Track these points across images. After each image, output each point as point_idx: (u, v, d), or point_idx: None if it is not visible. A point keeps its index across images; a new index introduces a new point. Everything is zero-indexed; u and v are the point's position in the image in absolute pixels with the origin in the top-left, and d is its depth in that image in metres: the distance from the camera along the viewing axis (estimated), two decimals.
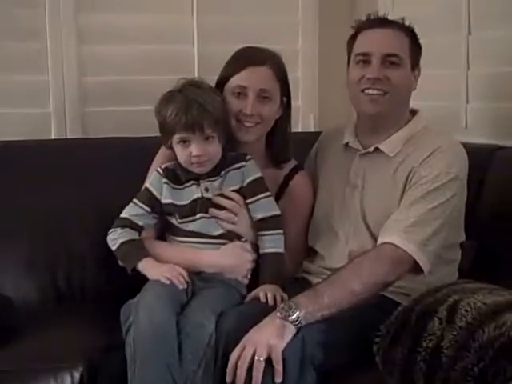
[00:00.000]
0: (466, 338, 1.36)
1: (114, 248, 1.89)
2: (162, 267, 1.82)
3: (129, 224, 1.90)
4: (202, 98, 1.83)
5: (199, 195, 1.89)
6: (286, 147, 2.05)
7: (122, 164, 2.32)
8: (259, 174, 1.93)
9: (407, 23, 1.92)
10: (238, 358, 1.59)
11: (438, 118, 2.35)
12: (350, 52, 1.95)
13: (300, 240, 2.02)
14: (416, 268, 1.74)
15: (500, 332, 1.32)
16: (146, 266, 1.84)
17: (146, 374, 1.64)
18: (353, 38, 1.94)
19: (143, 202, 1.91)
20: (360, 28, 1.92)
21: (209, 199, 1.89)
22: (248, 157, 1.93)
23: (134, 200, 1.93)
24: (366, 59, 1.87)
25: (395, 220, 1.78)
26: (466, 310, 1.40)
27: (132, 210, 1.92)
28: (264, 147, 2.04)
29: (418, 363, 1.40)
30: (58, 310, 2.13)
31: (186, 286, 1.80)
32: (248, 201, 1.91)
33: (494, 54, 2.25)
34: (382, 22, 1.90)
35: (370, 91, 1.86)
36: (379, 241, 1.77)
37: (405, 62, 1.87)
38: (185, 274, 1.81)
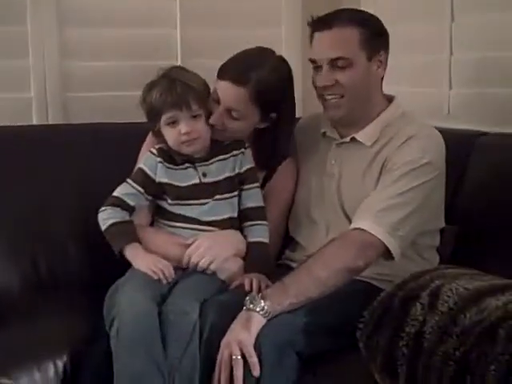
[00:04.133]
0: (447, 323, 1.37)
1: (103, 228, 1.88)
2: (148, 259, 1.81)
3: (120, 203, 1.89)
4: (184, 76, 1.85)
5: (197, 181, 1.89)
6: (273, 155, 2.01)
7: (104, 150, 2.30)
8: (253, 164, 1.94)
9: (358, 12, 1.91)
10: (220, 363, 1.60)
11: (420, 103, 2.36)
12: None
13: (280, 226, 2.02)
14: (387, 253, 1.74)
15: (481, 317, 1.33)
16: (133, 254, 1.83)
17: (131, 364, 1.64)
18: (310, 39, 1.90)
19: (136, 182, 1.90)
20: (311, 29, 1.89)
21: (208, 184, 1.88)
22: (247, 145, 1.94)
23: (127, 180, 1.91)
24: (316, 65, 1.87)
25: (366, 205, 1.78)
26: (448, 296, 1.41)
27: (124, 189, 1.90)
28: (253, 151, 1.99)
29: (400, 348, 1.41)
30: (40, 298, 2.10)
31: (169, 281, 1.79)
32: (244, 187, 1.92)
33: (477, 40, 2.25)
34: (326, 23, 1.84)
35: (328, 97, 1.86)
36: (350, 227, 1.77)
37: (355, 59, 1.82)
38: (170, 268, 1.80)
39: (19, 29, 2.48)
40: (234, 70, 1.89)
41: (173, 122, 1.85)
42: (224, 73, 1.90)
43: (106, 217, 1.88)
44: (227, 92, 1.88)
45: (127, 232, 1.87)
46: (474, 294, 1.40)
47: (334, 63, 1.82)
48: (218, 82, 1.90)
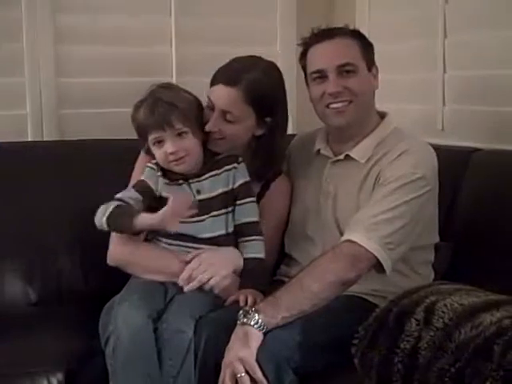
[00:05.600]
0: (442, 339, 1.37)
1: (104, 217, 1.82)
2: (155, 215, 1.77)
3: (122, 202, 1.85)
4: (166, 95, 1.85)
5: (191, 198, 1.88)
6: (269, 166, 2.00)
7: (98, 166, 2.31)
8: (248, 179, 1.93)
9: (352, 27, 1.94)
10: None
11: (414, 120, 2.38)
12: (304, 69, 1.95)
13: (275, 241, 2.02)
14: (378, 266, 1.74)
15: (476, 333, 1.33)
16: (144, 220, 1.79)
17: (127, 383, 1.63)
18: (303, 56, 1.94)
19: (138, 191, 1.88)
20: (308, 45, 1.92)
21: (203, 201, 1.87)
22: (240, 159, 1.92)
23: (129, 188, 1.91)
24: (322, 75, 1.88)
25: (357, 218, 1.78)
26: (443, 311, 1.41)
27: (127, 194, 1.88)
28: (249, 163, 1.98)
29: (395, 364, 1.41)
30: (33, 313, 2.10)
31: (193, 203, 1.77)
32: (237, 202, 1.91)
33: (470, 57, 2.27)
34: (328, 34, 1.89)
35: (335, 105, 1.87)
36: (341, 239, 1.77)
37: (359, 66, 1.87)
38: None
39: (14, 45, 2.49)
40: (225, 73, 1.91)
41: (159, 142, 1.85)
42: (216, 78, 1.92)
43: (106, 206, 1.83)
44: (220, 94, 1.89)
45: (130, 210, 1.82)
46: (468, 310, 1.40)
47: (340, 69, 1.85)
48: (211, 88, 1.92)
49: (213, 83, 1.93)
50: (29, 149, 2.41)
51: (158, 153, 1.86)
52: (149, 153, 1.91)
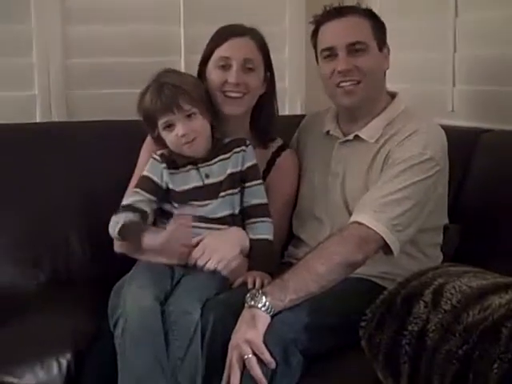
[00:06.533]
0: (450, 321, 1.36)
1: (115, 231, 1.84)
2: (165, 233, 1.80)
3: (132, 210, 1.86)
4: (172, 78, 1.87)
5: (200, 183, 1.88)
6: (271, 126, 2.04)
7: (107, 147, 2.31)
8: (255, 161, 1.94)
9: (364, 5, 1.95)
10: (230, 365, 1.59)
11: (424, 100, 2.36)
12: (315, 47, 1.96)
13: (283, 221, 2.02)
14: (386, 248, 1.74)
15: (484, 315, 1.33)
16: (152, 238, 1.81)
17: (136, 363, 1.64)
18: (315, 34, 1.95)
19: (145, 190, 1.88)
20: (319, 22, 1.93)
21: (211, 185, 1.88)
22: (248, 142, 1.93)
23: (135, 189, 1.90)
24: (332, 53, 1.87)
25: (365, 199, 1.78)
26: (451, 294, 1.41)
27: (135, 197, 1.88)
28: (249, 127, 2.04)
29: (403, 346, 1.41)
30: (43, 294, 2.11)
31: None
32: (246, 184, 1.92)
33: (481, 37, 2.24)
34: (339, 12, 1.90)
35: (344, 83, 1.86)
36: (349, 220, 1.77)
37: (370, 45, 1.87)
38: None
39: (23, 27, 2.48)
40: (234, 29, 1.98)
41: (169, 126, 1.85)
42: (222, 37, 1.97)
43: (117, 219, 1.85)
44: (237, 45, 1.95)
45: (139, 223, 1.85)
46: (477, 293, 1.40)
47: (351, 48, 1.85)
48: (222, 47, 1.94)
49: (220, 42, 1.96)
50: (37, 130, 2.41)
51: (169, 137, 1.86)
52: (158, 140, 1.91)
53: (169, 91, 1.83)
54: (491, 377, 1.24)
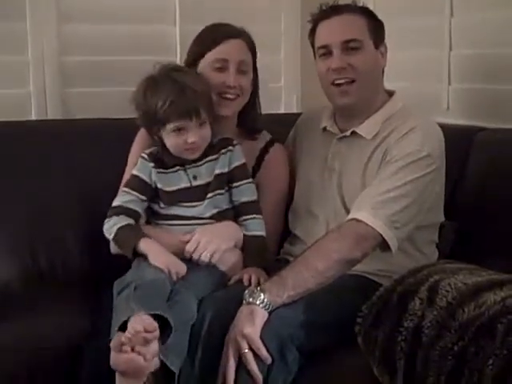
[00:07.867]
0: (446, 318, 1.37)
1: (111, 236, 1.84)
2: (167, 258, 1.77)
3: (124, 211, 1.86)
4: (191, 82, 1.81)
5: (188, 184, 1.88)
6: (256, 118, 2.06)
7: (103, 145, 2.30)
8: (243, 161, 1.93)
9: (360, 4, 1.94)
10: (226, 359, 1.59)
11: (419, 99, 2.36)
12: (313, 46, 1.96)
13: (277, 217, 2.02)
14: (384, 245, 1.74)
15: (480, 312, 1.34)
16: (149, 247, 1.79)
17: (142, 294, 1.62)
18: (312, 32, 1.95)
19: (134, 189, 1.88)
20: (316, 20, 1.94)
21: (200, 186, 1.87)
22: (235, 142, 1.92)
23: (124, 189, 1.90)
24: (327, 51, 1.88)
25: (363, 197, 1.79)
26: (447, 290, 1.42)
27: (125, 198, 1.88)
28: (236, 121, 2.04)
29: (398, 343, 1.42)
30: (39, 293, 2.10)
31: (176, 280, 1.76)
32: (233, 185, 1.91)
33: (476, 36, 2.25)
34: (335, 10, 1.91)
35: (338, 81, 1.87)
36: (347, 217, 1.77)
37: (365, 43, 1.87)
38: (184, 270, 1.76)
39: (18, 24, 2.47)
40: (228, 30, 1.98)
41: (179, 130, 1.81)
42: (217, 39, 1.95)
43: (112, 224, 1.84)
44: (233, 48, 1.95)
45: (135, 229, 1.84)
46: (472, 289, 1.40)
47: (345, 46, 1.85)
48: (219, 47, 1.94)
49: (212, 46, 1.94)
50: (33, 128, 2.41)
51: (174, 140, 1.83)
52: (157, 137, 1.87)
53: (191, 96, 1.78)
54: (486, 373, 1.25)
